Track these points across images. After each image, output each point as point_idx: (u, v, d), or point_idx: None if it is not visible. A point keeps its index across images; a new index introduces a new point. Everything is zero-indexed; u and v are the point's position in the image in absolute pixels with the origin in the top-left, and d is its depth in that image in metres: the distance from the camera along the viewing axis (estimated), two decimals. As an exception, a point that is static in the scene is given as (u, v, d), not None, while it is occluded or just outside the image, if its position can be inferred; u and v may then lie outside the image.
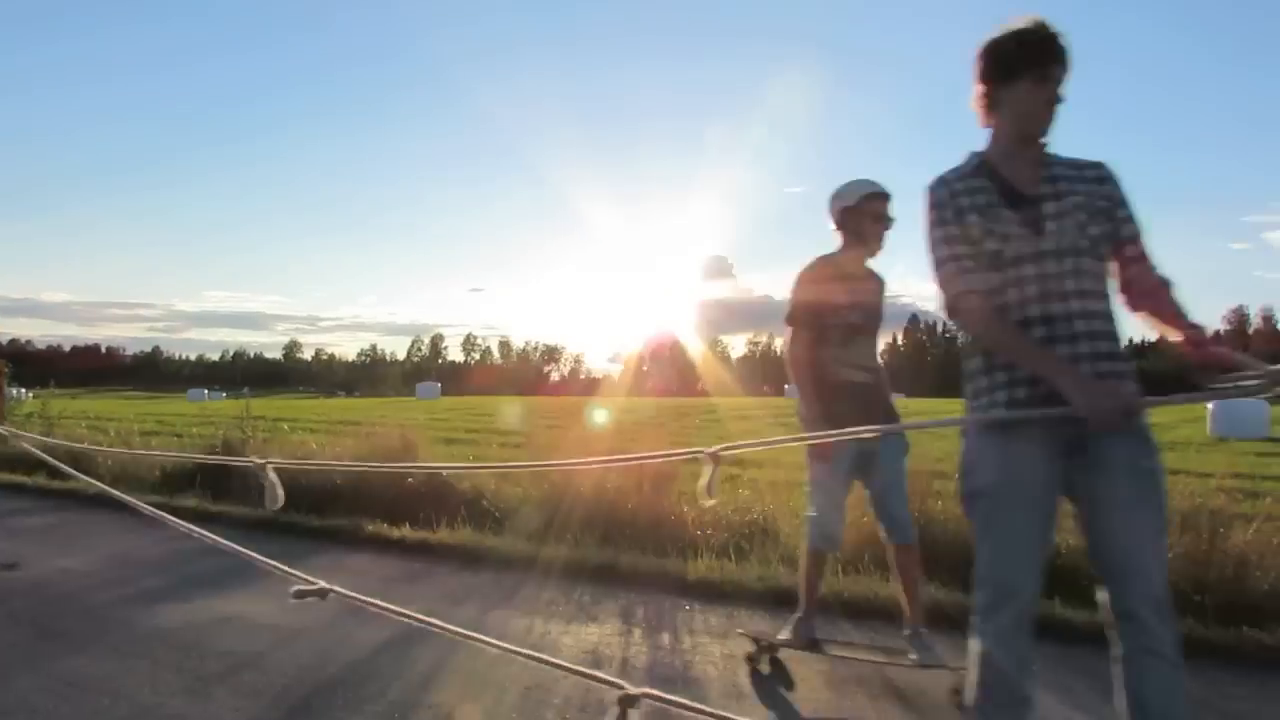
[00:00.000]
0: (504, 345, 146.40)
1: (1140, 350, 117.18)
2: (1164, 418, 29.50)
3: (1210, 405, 21.19)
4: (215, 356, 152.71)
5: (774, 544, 5.67)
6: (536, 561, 5.61)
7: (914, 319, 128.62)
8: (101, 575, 5.40)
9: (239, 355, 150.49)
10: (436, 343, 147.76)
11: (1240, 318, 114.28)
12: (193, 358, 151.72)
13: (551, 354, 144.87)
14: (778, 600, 4.76)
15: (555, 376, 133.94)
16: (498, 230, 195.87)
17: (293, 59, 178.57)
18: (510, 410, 31.93)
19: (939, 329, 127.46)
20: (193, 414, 27.35)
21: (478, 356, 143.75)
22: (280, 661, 3.85)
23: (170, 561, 5.83)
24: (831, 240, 3.75)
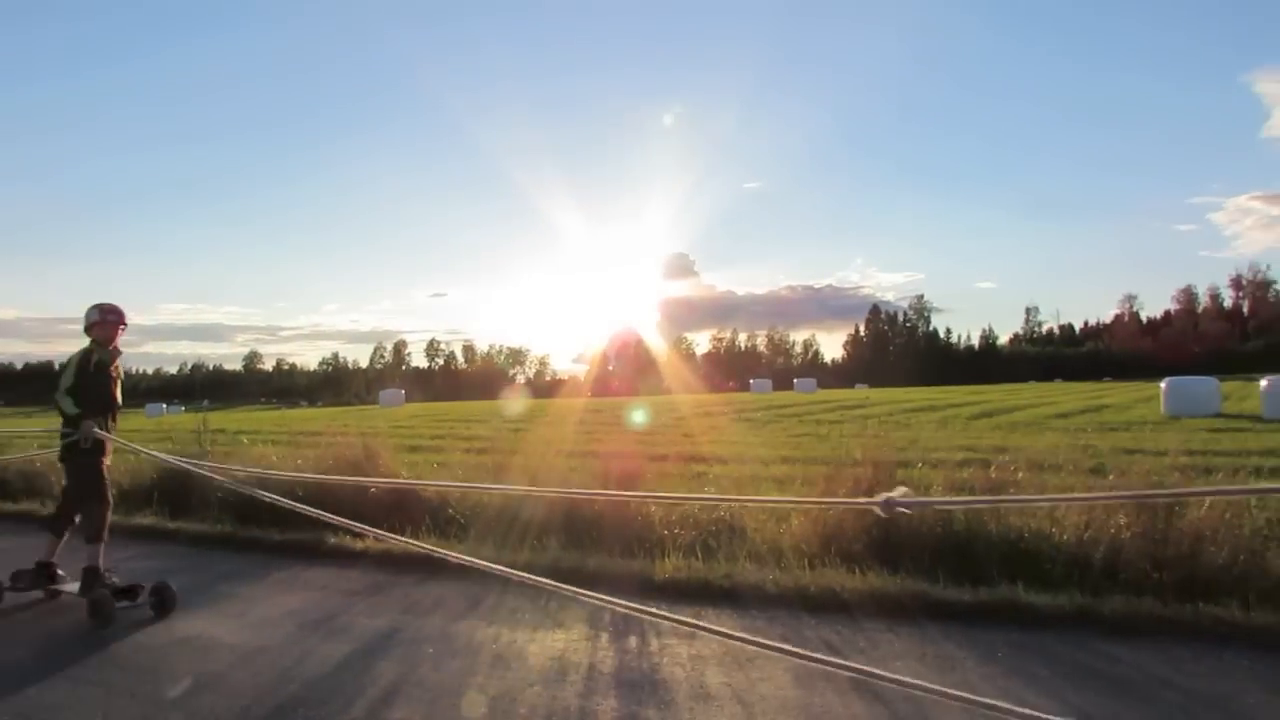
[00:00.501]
0: (468, 350, 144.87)
1: (1095, 332, 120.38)
2: (1119, 398, 30.17)
3: (1163, 384, 21.71)
4: (173, 370, 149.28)
5: (741, 540, 5.67)
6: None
7: (875, 309, 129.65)
8: (54, 600, 5.22)
9: (197, 368, 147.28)
10: (400, 349, 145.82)
11: (1189, 298, 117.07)
12: (150, 371, 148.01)
13: (516, 356, 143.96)
14: (746, 599, 4.76)
15: (520, 379, 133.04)
16: (458, 235, 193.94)
17: (247, 63, 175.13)
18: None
19: (900, 319, 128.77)
20: (150, 429, 26.72)
21: (442, 362, 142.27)
22: (239, 682, 3.76)
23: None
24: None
